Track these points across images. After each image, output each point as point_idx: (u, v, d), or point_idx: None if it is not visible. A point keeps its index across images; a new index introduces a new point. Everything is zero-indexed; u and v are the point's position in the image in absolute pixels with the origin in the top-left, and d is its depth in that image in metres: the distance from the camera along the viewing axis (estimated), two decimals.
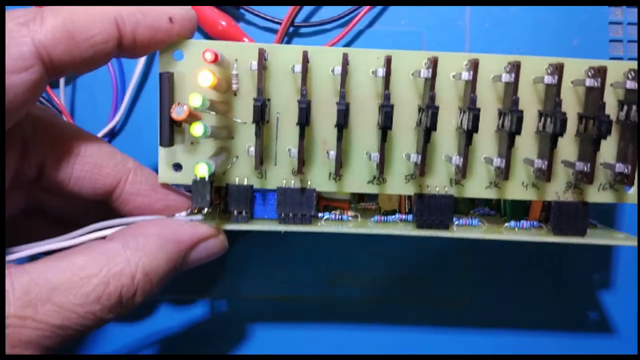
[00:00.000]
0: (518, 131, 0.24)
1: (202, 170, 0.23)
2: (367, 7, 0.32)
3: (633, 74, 0.26)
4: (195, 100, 0.22)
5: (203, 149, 0.27)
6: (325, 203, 0.30)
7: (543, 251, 0.36)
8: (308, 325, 0.36)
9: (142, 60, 0.32)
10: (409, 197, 0.29)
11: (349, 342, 0.36)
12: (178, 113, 0.25)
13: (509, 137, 0.25)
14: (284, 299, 0.36)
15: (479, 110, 0.24)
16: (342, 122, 0.24)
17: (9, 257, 0.24)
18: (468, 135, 0.25)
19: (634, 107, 0.25)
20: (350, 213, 0.29)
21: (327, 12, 0.33)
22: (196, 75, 0.24)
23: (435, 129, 0.25)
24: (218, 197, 0.28)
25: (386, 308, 0.36)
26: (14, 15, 0.21)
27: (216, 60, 0.22)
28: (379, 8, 0.33)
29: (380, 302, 0.36)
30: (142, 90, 0.34)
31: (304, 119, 0.24)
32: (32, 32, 0.21)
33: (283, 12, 0.32)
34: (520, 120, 0.24)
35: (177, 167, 0.27)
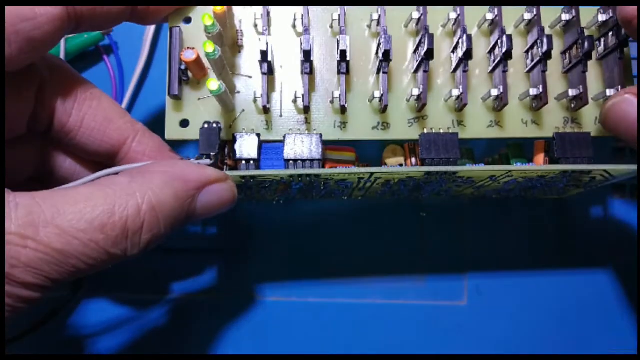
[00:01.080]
0: (509, 50, 0.26)
1: (213, 85, 0.24)
2: None
3: (603, 9, 0.28)
4: (207, 20, 0.23)
5: (210, 104, 0.28)
6: (331, 165, 0.30)
7: (543, 247, 0.37)
8: (308, 325, 0.35)
9: (142, 61, 0.34)
10: (414, 152, 0.29)
11: (349, 342, 0.35)
12: (188, 55, 0.26)
13: (503, 57, 0.26)
14: (285, 299, 0.35)
15: (471, 34, 0.26)
16: (345, 46, 0.25)
17: None
18: (465, 57, 0.26)
19: (610, 34, 0.27)
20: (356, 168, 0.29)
21: None
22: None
23: (433, 56, 0.26)
24: (224, 154, 0.28)
25: (386, 308, 0.35)
26: None
27: None
28: None
29: (380, 302, 0.35)
30: (140, 91, 0.35)
31: (309, 45, 0.25)
32: None
33: None
34: (510, 39, 0.26)
35: (184, 123, 0.28)
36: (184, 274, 0.34)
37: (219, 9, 0.24)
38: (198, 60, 0.26)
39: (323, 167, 0.28)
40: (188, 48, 0.26)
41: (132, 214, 0.22)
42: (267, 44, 0.25)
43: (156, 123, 0.35)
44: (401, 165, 0.30)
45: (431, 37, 0.26)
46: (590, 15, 0.29)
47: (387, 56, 0.26)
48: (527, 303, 0.36)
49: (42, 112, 0.25)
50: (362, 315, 0.35)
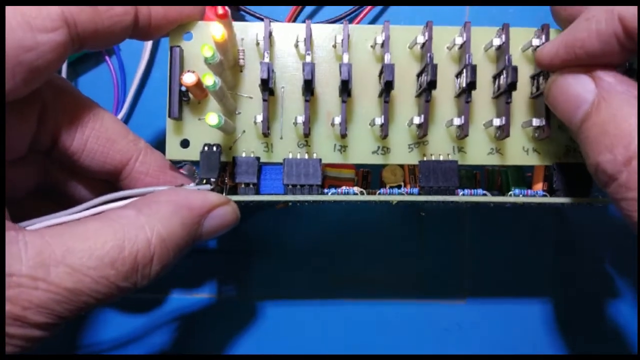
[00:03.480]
0: (514, 82, 0.25)
1: (213, 119, 0.23)
2: (368, 8, 0.34)
3: None
4: (207, 51, 0.23)
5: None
6: (330, 182, 0.30)
7: (543, 247, 0.36)
8: (308, 325, 0.35)
9: (144, 61, 0.34)
10: (413, 171, 0.29)
11: (349, 342, 0.35)
12: (187, 79, 0.26)
13: (507, 91, 0.26)
14: (285, 299, 0.35)
15: (475, 65, 0.26)
16: (347, 77, 0.25)
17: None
18: (468, 89, 0.26)
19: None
20: (356, 188, 0.29)
21: (328, 12, 0.35)
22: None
23: (435, 86, 0.26)
24: (225, 174, 0.28)
25: (386, 308, 0.36)
26: None
27: (226, 16, 0.24)
28: (379, 8, 0.35)
29: (380, 302, 0.36)
30: (142, 91, 0.35)
31: (310, 75, 0.25)
32: None
33: (283, 13, 0.34)
34: (515, 71, 0.25)
35: (185, 143, 0.28)
36: (184, 274, 0.35)
37: (220, 37, 0.24)
38: (198, 83, 0.26)
39: (322, 185, 0.28)
40: (188, 71, 0.26)
41: (142, 248, 0.22)
42: (268, 70, 0.25)
43: (157, 125, 0.35)
44: (400, 186, 0.30)
45: (434, 69, 0.25)
46: None
47: (389, 86, 0.26)
48: (527, 302, 0.36)
49: (44, 135, 0.25)
50: (362, 315, 0.35)
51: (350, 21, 0.34)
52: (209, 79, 0.23)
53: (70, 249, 0.21)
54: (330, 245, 0.36)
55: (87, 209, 0.24)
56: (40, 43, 0.22)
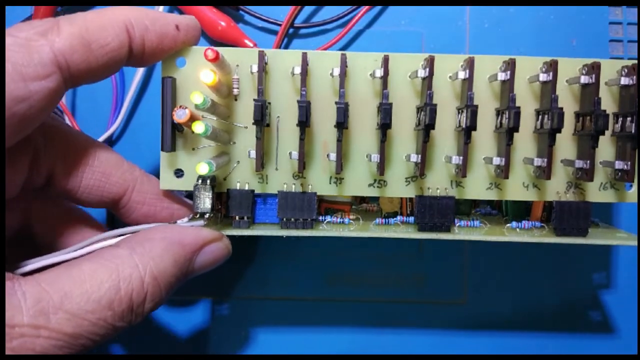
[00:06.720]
0: (516, 126, 0.25)
1: (203, 169, 0.23)
2: (366, 7, 0.33)
3: (626, 70, 0.26)
4: (197, 98, 0.22)
5: (204, 154, 0.27)
6: (326, 206, 0.30)
7: (543, 249, 0.36)
8: (308, 325, 0.36)
9: None
10: (410, 198, 0.29)
11: (349, 342, 0.36)
12: (180, 115, 0.25)
13: (507, 133, 0.25)
14: (286, 299, 0.36)
15: (476, 106, 0.25)
16: (342, 119, 0.24)
17: (17, 271, 0.24)
18: (467, 132, 0.25)
19: (629, 119, 0.26)
20: (351, 216, 0.29)
21: (327, 12, 0.34)
22: (198, 74, 0.24)
23: (434, 127, 0.25)
24: (219, 203, 0.28)
25: (386, 308, 0.36)
26: (32, 25, 0.22)
27: (217, 59, 0.23)
28: (378, 8, 0.34)
29: (380, 302, 0.36)
30: (142, 96, 0.35)
31: (304, 116, 0.24)
32: (50, 41, 0.21)
33: (282, 13, 0.33)
34: (517, 115, 0.24)
35: (179, 173, 0.28)
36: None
37: (211, 82, 0.23)
38: (192, 118, 0.25)
39: (319, 210, 0.28)
40: (180, 107, 0.25)
41: (136, 287, 0.22)
42: (261, 109, 0.24)
43: (156, 124, 0.34)
44: (396, 213, 0.30)
45: (433, 112, 0.24)
46: (614, 68, 0.27)
47: (385, 128, 0.25)
48: (528, 302, 0.36)
49: (37, 177, 0.25)
50: (362, 315, 0.36)
51: (349, 21, 0.33)
52: (199, 127, 0.23)
53: (68, 294, 0.21)
54: (328, 246, 0.36)
55: (81, 248, 0.25)
56: (33, 92, 0.21)
